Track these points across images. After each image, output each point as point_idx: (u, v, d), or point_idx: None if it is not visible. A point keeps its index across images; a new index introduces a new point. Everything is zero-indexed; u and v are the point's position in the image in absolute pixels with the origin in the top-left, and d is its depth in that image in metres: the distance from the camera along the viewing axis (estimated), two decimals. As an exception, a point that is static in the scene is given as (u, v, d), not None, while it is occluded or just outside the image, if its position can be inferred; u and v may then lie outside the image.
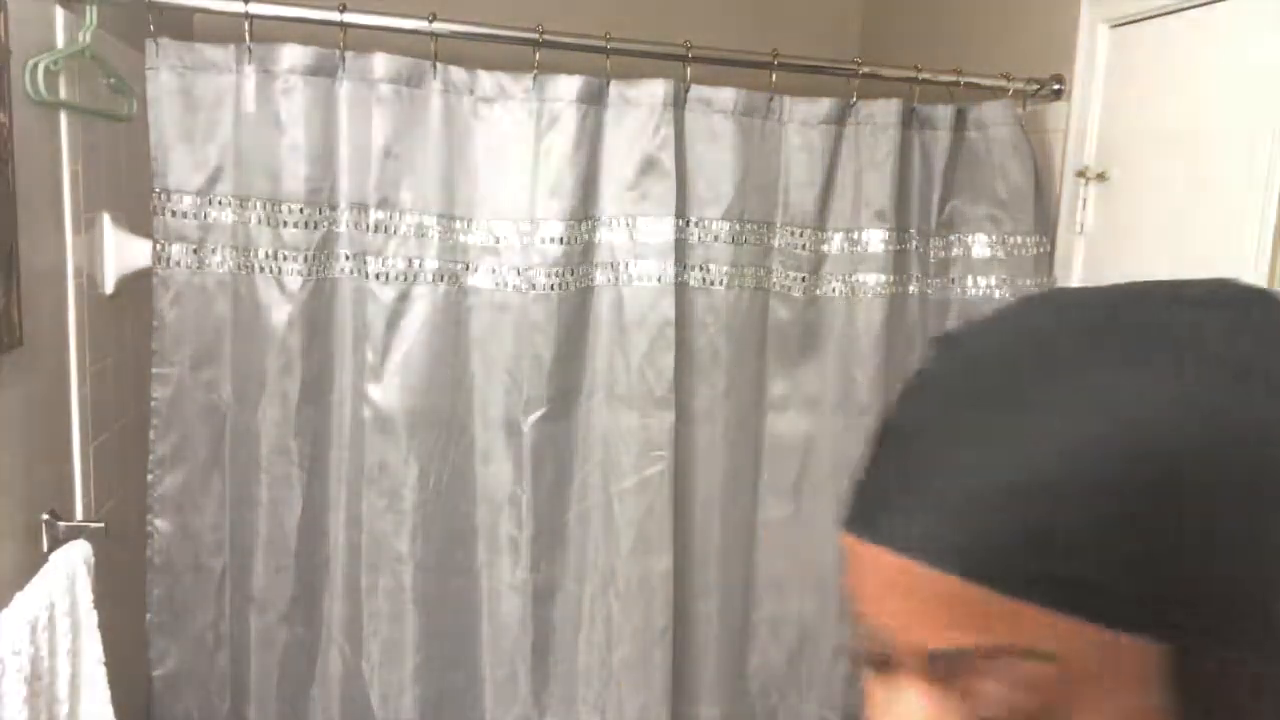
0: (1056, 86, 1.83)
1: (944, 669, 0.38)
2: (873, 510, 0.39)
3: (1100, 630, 0.35)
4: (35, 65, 1.28)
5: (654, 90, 1.67)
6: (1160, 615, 0.35)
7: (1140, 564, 0.34)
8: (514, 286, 1.68)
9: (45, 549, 1.36)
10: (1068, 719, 0.36)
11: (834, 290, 1.81)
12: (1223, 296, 0.39)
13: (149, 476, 1.63)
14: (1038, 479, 0.35)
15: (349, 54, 1.57)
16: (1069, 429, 0.35)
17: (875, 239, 1.79)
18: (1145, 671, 0.36)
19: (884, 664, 0.41)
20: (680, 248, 1.72)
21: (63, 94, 1.40)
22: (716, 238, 1.74)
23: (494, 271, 1.68)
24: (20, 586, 1.22)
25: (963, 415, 0.38)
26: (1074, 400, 0.36)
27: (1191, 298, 0.39)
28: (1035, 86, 1.83)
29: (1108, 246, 1.75)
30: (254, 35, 1.54)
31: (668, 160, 1.68)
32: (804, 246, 1.79)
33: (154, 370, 1.60)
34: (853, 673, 0.43)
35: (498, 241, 1.67)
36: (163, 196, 1.57)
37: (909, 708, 0.39)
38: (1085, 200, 1.78)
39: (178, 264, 1.58)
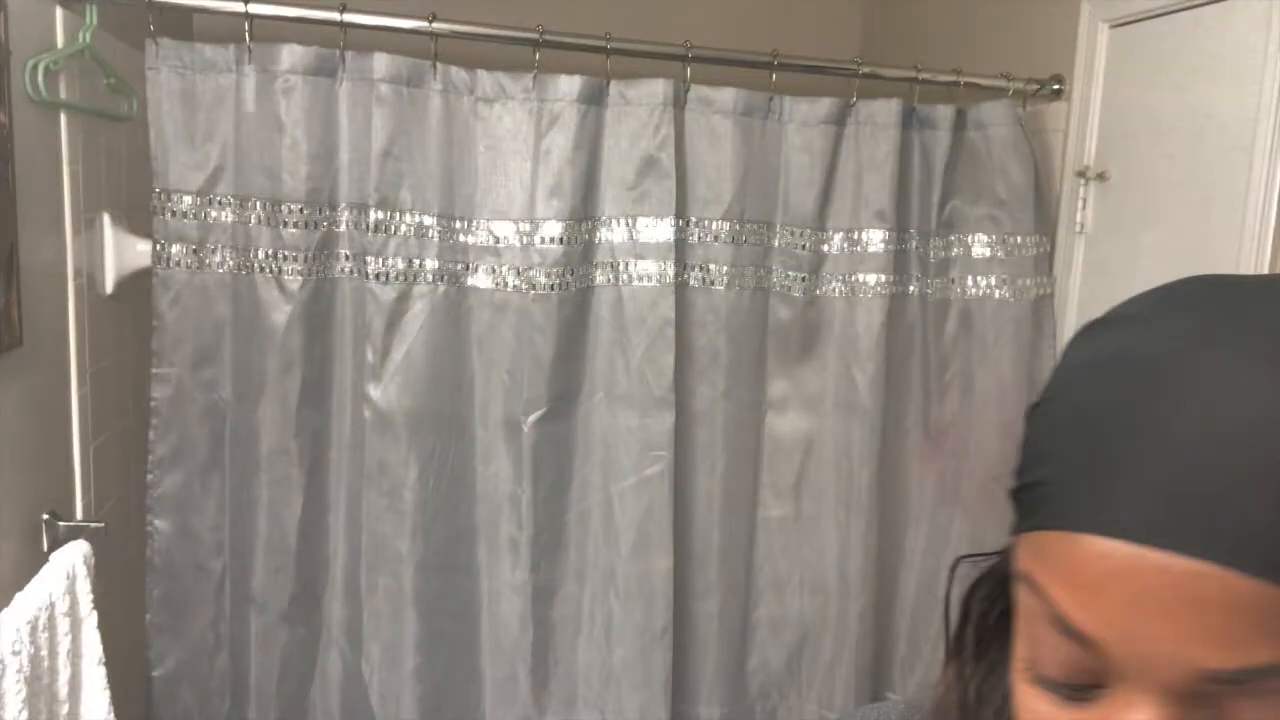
0: (1056, 86, 1.83)
1: (1222, 685, 0.33)
2: (1165, 509, 0.34)
3: None
4: (35, 65, 1.28)
5: (654, 90, 1.68)
6: None
7: None
8: (514, 287, 1.68)
9: (45, 549, 1.36)
10: None
11: (834, 290, 1.81)
12: None
13: (149, 476, 1.63)
14: None
15: (349, 54, 1.57)
16: None
17: (875, 239, 1.79)
18: None
19: (1092, 687, 0.37)
20: (680, 248, 1.72)
21: (63, 94, 1.40)
22: (716, 238, 1.74)
23: (494, 271, 1.68)
24: (20, 586, 1.22)
25: (1211, 400, 0.34)
26: None
27: None
28: (1035, 86, 1.83)
29: (1108, 246, 1.75)
30: (254, 35, 1.54)
31: (668, 160, 1.68)
32: (804, 246, 1.79)
33: (154, 370, 1.60)
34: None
35: (498, 241, 1.67)
36: (163, 196, 1.57)
37: None
38: (1085, 200, 1.79)
39: (178, 264, 1.58)
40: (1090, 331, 0.41)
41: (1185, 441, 0.34)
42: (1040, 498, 0.38)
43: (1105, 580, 0.35)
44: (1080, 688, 0.37)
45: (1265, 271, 1.41)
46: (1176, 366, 0.35)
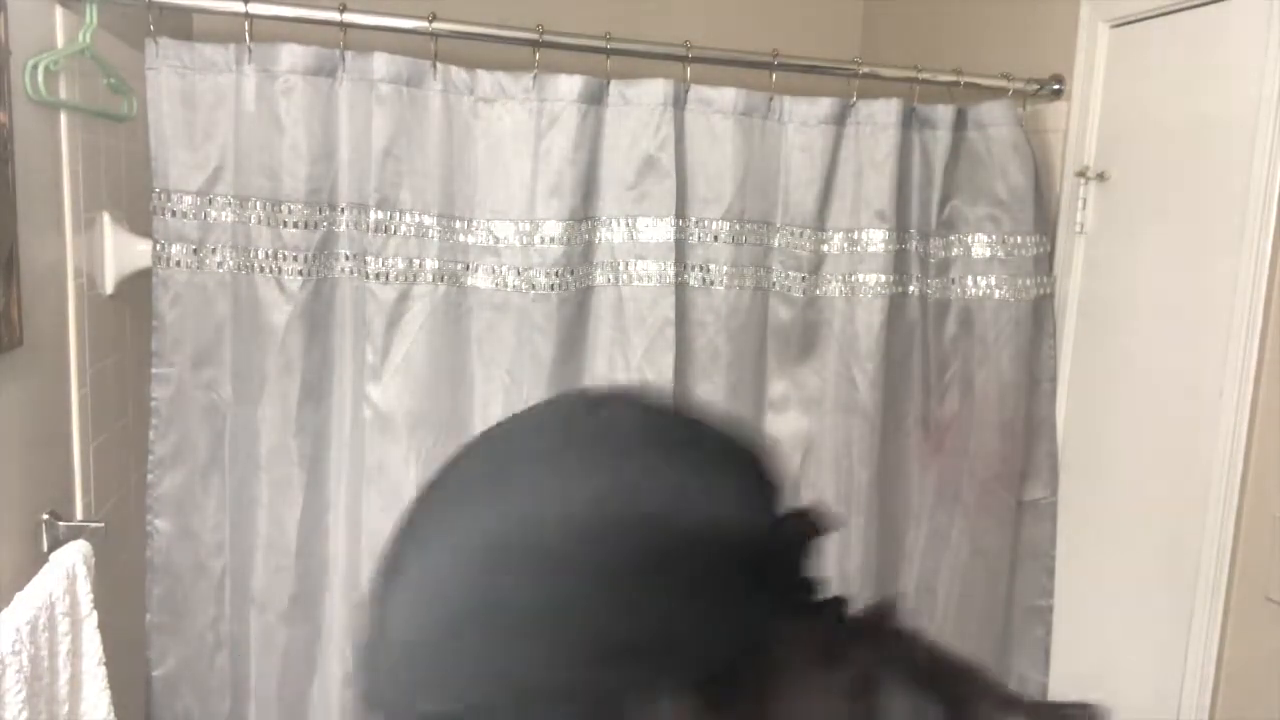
0: (1056, 86, 1.83)
1: None
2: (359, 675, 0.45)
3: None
4: (35, 65, 1.28)
5: (654, 90, 1.67)
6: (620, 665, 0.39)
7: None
8: (514, 286, 1.67)
9: (45, 549, 1.35)
10: None
11: (834, 290, 1.81)
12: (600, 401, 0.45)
13: (149, 476, 1.63)
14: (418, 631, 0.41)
15: (349, 54, 1.57)
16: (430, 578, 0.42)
17: (875, 239, 1.79)
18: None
19: None
20: (680, 248, 1.72)
21: (63, 94, 1.40)
22: (716, 238, 1.74)
23: (494, 271, 1.68)
24: (20, 586, 1.22)
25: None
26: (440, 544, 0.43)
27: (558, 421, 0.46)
28: (1035, 86, 1.83)
29: (1108, 246, 1.75)
30: (254, 35, 1.54)
31: (668, 160, 1.68)
32: (804, 246, 1.79)
33: (154, 370, 1.60)
34: None
35: (498, 241, 1.67)
36: (163, 196, 1.57)
37: None
38: (1085, 200, 1.79)
39: (178, 264, 1.58)
40: None
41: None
42: None
43: None
44: None
45: (1265, 270, 1.40)
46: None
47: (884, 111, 1.77)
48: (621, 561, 0.39)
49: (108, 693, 1.34)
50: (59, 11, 1.39)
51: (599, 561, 0.39)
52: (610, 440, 0.43)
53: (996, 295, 1.85)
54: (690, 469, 0.42)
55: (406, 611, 0.42)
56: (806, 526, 0.45)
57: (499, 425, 0.47)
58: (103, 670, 1.34)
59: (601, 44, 1.66)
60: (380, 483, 1.67)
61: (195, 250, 1.59)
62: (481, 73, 1.64)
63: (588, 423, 0.44)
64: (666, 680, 0.40)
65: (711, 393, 1.77)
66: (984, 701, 0.44)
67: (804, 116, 1.76)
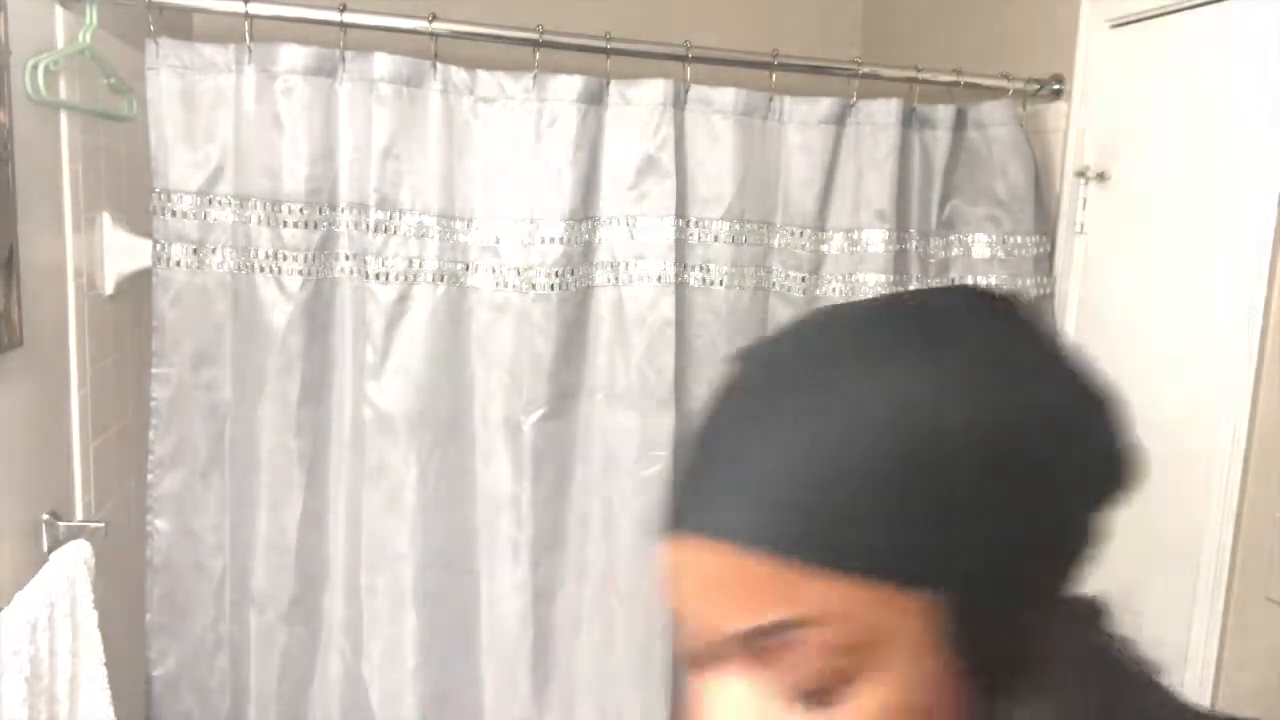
0: (1056, 86, 1.83)
1: (757, 647, 0.40)
2: (683, 508, 0.42)
3: (892, 591, 0.39)
4: (35, 65, 1.28)
5: (654, 90, 1.67)
6: (938, 572, 0.39)
7: (919, 527, 0.39)
8: (514, 286, 1.67)
9: (45, 549, 1.35)
10: (871, 678, 0.40)
11: (834, 290, 1.81)
12: (968, 300, 0.45)
13: (149, 476, 1.63)
14: (828, 458, 0.39)
15: (349, 54, 1.57)
16: (851, 412, 0.40)
17: (875, 239, 1.79)
18: (932, 630, 0.40)
19: (707, 662, 0.43)
20: (680, 248, 1.72)
21: (63, 94, 1.40)
22: (716, 238, 1.74)
23: (494, 271, 1.68)
24: (20, 586, 1.22)
25: (757, 411, 0.42)
26: (851, 388, 0.40)
27: (942, 303, 0.45)
28: (1035, 86, 1.83)
29: (1107, 246, 1.75)
30: (254, 35, 1.54)
31: (668, 160, 1.68)
32: (804, 246, 1.79)
33: (154, 370, 1.60)
34: (681, 681, 0.46)
35: (498, 241, 1.67)
36: (163, 196, 1.57)
37: (731, 693, 0.41)
38: (1085, 200, 1.78)
39: (178, 264, 1.58)
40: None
41: (704, 456, 0.42)
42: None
43: (677, 572, 0.42)
44: (708, 661, 0.43)
45: (1265, 270, 1.40)
46: (714, 409, 0.44)
47: (884, 111, 1.77)
48: (1017, 460, 0.40)
49: (108, 693, 1.34)
50: (59, 11, 1.39)
51: (995, 454, 0.40)
52: (1002, 346, 0.43)
53: (996, 295, 1.85)
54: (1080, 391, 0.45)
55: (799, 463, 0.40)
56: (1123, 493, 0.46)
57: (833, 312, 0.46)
58: (103, 670, 1.34)
59: (601, 44, 1.66)
60: (380, 483, 1.67)
61: (195, 250, 1.59)
62: (481, 73, 1.64)
63: (969, 324, 0.44)
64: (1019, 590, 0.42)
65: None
66: (1163, 710, 0.47)
67: (804, 116, 1.76)
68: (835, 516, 0.38)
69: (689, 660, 0.43)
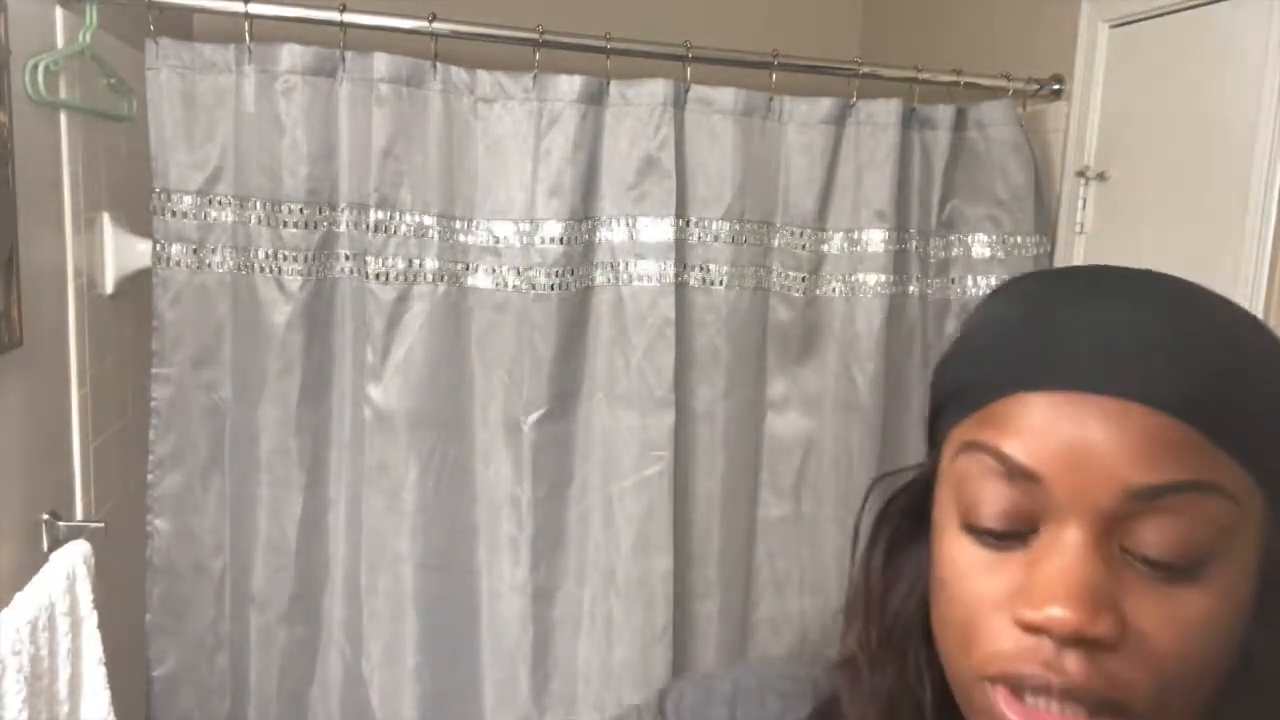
0: (1056, 86, 1.83)
1: (1160, 502, 0.41)
2: (1096, 365, 0.43)
3: (1253, 485, 0.43)
4: (35, 65, 1.28)
5: (654, 90, 1.67)
6: (1274, 479, 0.43)
7: (1274, 433, 0.43)
8: (514, 287, 1.67)
9: (45, 549, 1.36)
10: (1221, 564, 0.42)
11: (834, 290, 1.81)
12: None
13: (149, 476, 1.63)
14: (1236, 345, 0.44)
15: (349, 54, 1.57)
16: (1238, 321, 0.45)
17: (875, 239, 1.78)
18: (1261, 534, 0.44)
19: (1025, 534, 0.44)
20: (680, 248, 1.72)
21: (63, 94, 1.40)
22: (716, 238, 1.74)
23: (494, 271, 1.68)
24: (20, 586, 1.22)
25: (1132, 283, 0.46)
26: (1208, 299, 0.46)
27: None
28: (1035, 86, 1.83)
29: (1107, 246, 1.75)
30: (254, 35, 1.54)
31: (668, 160, 1.68)
32: (804, 246, 1.79)
33: (154, 370, 1.60)
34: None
35: (498, 241, 1.67)
36: (163, 196, 1.57)
37: (1073, 548, 0.42)
38: (1085, 200, 1.78)
39: (178, 264, 1.58)
40: (1003, 287, 0.51)
41: (1103, 323, 0.44)
42: (981, 386, 0.46)
43: (1048, 423, 0.43)
44: (1012, 536, 0.44)
45: (1265, 270, 1.41)
46: (1080, 281, 0.47)
47: (884, 111, 1.77)
48: None
49: (108, 693, 1.34)
50: (59, 11, 1.40)
51: None
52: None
53: (996, 295, 1.85)
54: None
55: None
56: None
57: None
58: (103, 670, 1.34)
59: (601, 44, 1.66)
60: (380, 483, 1.67)
61: (195, 250, 1.59)
62: (481, 73, 1.64)
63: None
64: None
65: (711, 393, 1.77)
66: None
67: (804, 116, 1.76)
68: (1242, 407, 0.42)
69: (1063, 507, 0.43)
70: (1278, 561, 0.45)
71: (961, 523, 0.46)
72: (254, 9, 1.51)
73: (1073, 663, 0.41)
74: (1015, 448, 0.43)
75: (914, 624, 0.51)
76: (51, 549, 1.34)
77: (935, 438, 0.51)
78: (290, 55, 1.55)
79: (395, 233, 1.62)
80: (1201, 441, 0.41)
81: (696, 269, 1.75)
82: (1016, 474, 0.43)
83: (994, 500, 0.44)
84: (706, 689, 0.60)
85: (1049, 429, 0.43)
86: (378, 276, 1.62)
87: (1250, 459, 0.42)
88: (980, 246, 1.86)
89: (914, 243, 1.83)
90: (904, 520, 0.53)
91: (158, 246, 1.57)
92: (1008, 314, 0.48)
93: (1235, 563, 0.43)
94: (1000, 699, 0.43)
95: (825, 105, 1.76)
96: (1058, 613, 0.41)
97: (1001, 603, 0.43)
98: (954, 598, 0.45)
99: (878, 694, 0.51)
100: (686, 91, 1.71)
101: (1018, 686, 0.42)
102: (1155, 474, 0.41)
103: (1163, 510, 0.41)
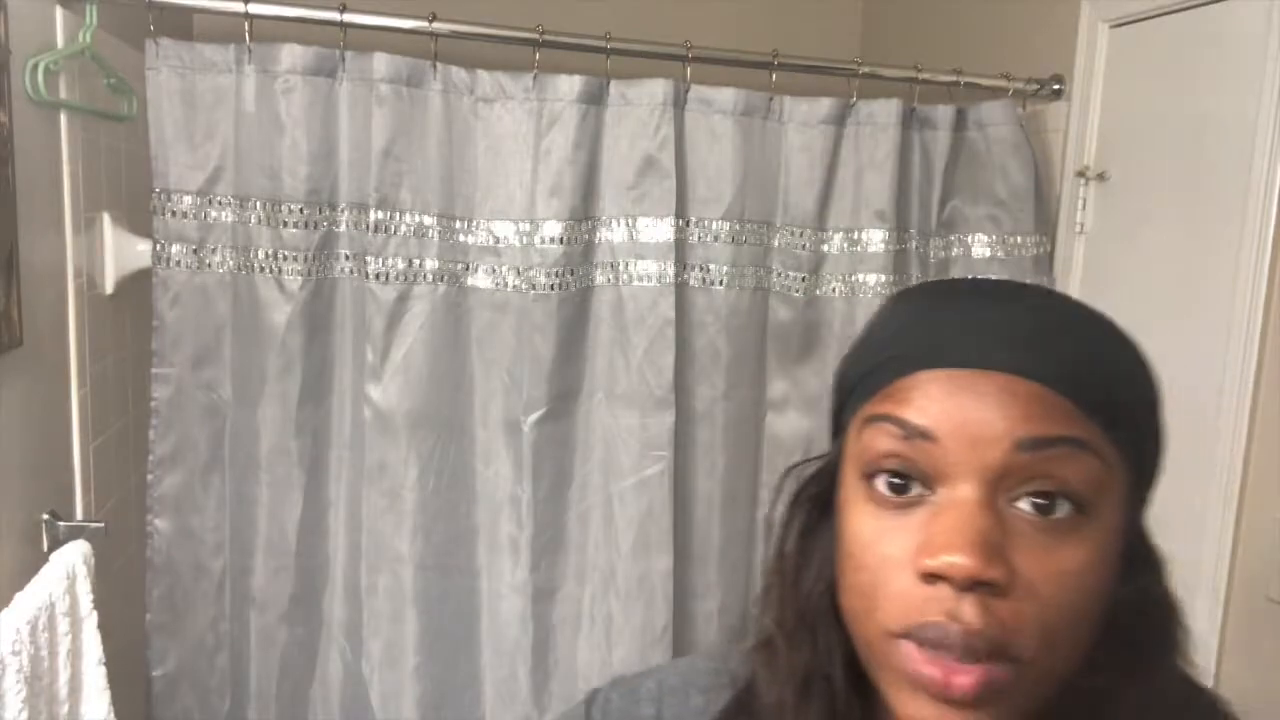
0: (1056, 86, 1.83)
1: (1040, 454, 0.46)
2: (981, 348, 0.49)
3: (1119, 458, 0.49)
4: (35, 65, 1.28)
5: (654, 90, 1.67)
6: (1138, 459, 0.50)
7: (1146, 420, 0.51)
8: (514, 286, 1.68)
9: (45, 549, 1.35)
10: (1096, 514, 0.48)
11: (834, 290, 1.81)
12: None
13: (149, 476, 1.63)
14: (1111, 346, 0.51)
15: (349, 54, 1.57)
16: (1108, 324, 0.52)
17: (875, 239, 1.79)
18: (1124, 502, 0.50)
19: (929, 480, 0.48)
20: (680, 248, 1.72)
21: (63, 94, 1.40)
22: (716, 238, 1.74)
23: (494, 271, 1.68)
24: (20, 586, 1.22)
25: (1009, 288, 0.53)
26: (1087, 311, 0.52)
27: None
28: (1035, 86, 1.83)
29: (1107, 246, 1.75)
30: (254, 35, 1.54)
31: (668, 160, 1.68)
32: (804, 246, 1.79)
33: (154, 370, 1.60)
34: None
35: (498, 241, 1.67)
36: (163, 196, 1.57)
37: (967, 503, 0.47)
38: (1085, 200, 1.78)
39: (178, 264, 1.58)
40: (898, 294, 0.57)
41: (989, 316, 0.50)
42: (881, 370, 0.51)
43: (945, 393, 0.48)
44: (911, 501, 0.48)
45: (1265, 270, 1.41)
46: (965, 286, 0.54)
47: (884, 112, 1.77)
48: None
49: (108, 693, 1.34)
50: (59, 11, 1.39)
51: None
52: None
53: (996, 295, 1.85)
54: None
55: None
56: None
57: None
58: (103, 670, 1.34)
59: (601, 44, 1.66)
60: (380, 483, 1.67)
61: (195, 250, 1.59)
62: (481, 73, 1.64)
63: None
64: None
65: (711, 393, 1.77)
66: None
67: (804, 117, 1.76)
68: (1106, 388, 0.48)
69: (957, 465, 0.47)
70: (1140, 536, 0.52)
71: (865, 493, 0.50)
72: (254, 9, 1.51)
73: (969, 609, 0.45)
74: (913, 414, 0.48)
75: (823, 605, 0.54)
76: (51, 549, 1.34)
77: (840, 426, 0.56)
78: (290, 55, 1.55)
79: (395, 233, 1.62)
80: (1075, 410, 0.47)
81: (696, 269, 1.75)
82: (915, 434, 0.48)
83: (893, 461, 0.49)
84: (632, 690, 0.64)
85: (945, 397, 0.48)
86: (378, 276, 1.62)
87: (1116, 434, 0.48)
88: (980, 246, 1.86)
89: (914, 243, 1.83)
90: (814, 506, 0.57)
91: (158, 246, 1.57)
92: (905, 312, 0.53)
93: (1106, 523, 0.48)
94: (908, 651, 0.47)
95: (825, 105, 1.76)
96: (956, 559, 0.45)
97: (904, 561, 0.47)
98: (861, 565, 0.49)
99: (794, 672, 0.54)
100: (686, 92, 1.71)
101: (922, 641, 0.46)
102: (1039, 429, 0.46)
103: (1045, 462, 0.46)
